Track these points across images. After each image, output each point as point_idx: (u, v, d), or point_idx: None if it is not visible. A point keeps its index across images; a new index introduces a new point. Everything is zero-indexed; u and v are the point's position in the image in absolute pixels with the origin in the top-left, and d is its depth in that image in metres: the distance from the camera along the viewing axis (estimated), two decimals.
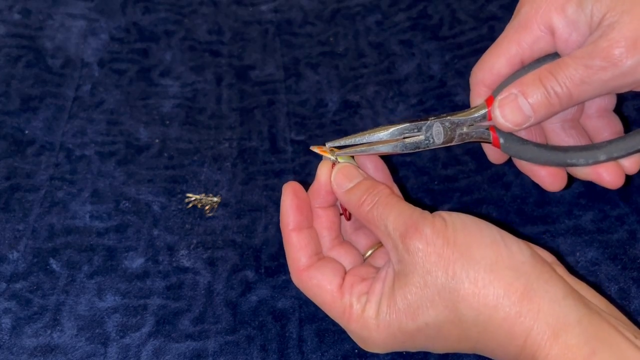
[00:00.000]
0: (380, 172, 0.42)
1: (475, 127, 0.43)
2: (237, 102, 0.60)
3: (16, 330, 0.45)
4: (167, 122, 0.58)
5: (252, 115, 0.59)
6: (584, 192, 0.50)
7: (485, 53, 0.44)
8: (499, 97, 0.41)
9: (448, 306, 0.35)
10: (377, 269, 0.40)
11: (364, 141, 0.41)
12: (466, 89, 0.45)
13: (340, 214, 0.42)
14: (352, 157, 0.42)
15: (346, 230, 0.43)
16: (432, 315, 0.36)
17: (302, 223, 0.40)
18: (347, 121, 0.58)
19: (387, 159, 0.54)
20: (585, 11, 0.39)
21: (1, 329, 0.45)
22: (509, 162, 0.53)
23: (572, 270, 0.46)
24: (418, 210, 0.38)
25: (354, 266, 0.41)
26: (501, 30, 0.45)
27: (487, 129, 0.43)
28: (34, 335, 0.45)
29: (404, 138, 0.41)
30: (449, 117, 0.42)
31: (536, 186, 0.51)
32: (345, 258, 0.41)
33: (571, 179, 0.45)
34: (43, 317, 0.46)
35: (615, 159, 0.42)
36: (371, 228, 0.39)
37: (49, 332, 0.45)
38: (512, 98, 0.41)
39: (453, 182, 0.52)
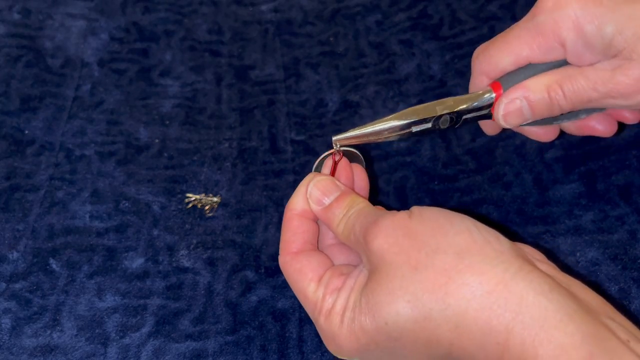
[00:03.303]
0: (362, 181, 0.42)
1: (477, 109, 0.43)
2: (237, 102, 0.60)
3: (16, 330, 0.45)
4: (167, 122, 0.58)
5: (252, 115, 0.59)
6: (584, 192, 0.50)
7: (491, 44, 0.43)
8: (504, 101, 0.42)
9: (410, 301, 0.31)
10: None
11: (370, 132, 0.41)
12: (466, 88, 0.45)
13: None
14: (356, 147, 0.41)
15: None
16: (391, 313, 0.32)
17: (308, 213, 0.39)
18: (347, 121, 0.58)
19: (382, 160, 0.54)
20: (604, 36, 0.39)
21: (1, 329, 0.45)
22: (509, 163, 0.53)
23: (572, 270, 0.46)
24: (384, 210, 0.36)
25: (346, 262, 0.39)
26: (501, 30, 0.44)
27: (489, 110, 0.43)
28: (33, 336, 0.45)
29: (411, 126, 0.41)
30: (456, 105, 0.42)
31: (536, 186, 0.51)
32: (343, 255, 0.39)
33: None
34: (43, 317, 0.46)
35: (592, 112, 0.45)
36: (347, 244, 0.37)
37: (48, 332, 0.45)
38: (517, 105, 0.42)
39: (453, 182, 0.52)
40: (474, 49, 0.45)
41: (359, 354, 0.35)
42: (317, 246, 0.40)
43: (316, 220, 0.40)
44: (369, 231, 0.34)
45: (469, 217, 0.34)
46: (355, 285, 0.35)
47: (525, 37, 0.41)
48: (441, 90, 0.59)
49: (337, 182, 0.39)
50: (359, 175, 0.42)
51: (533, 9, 0.42)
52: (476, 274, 0.31)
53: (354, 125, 0.57)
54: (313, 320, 0.37)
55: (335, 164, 0.41)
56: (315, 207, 0.38)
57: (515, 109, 0.42)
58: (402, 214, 0.35)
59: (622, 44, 0.39)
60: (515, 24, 0.42)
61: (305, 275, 0.37)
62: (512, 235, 0.48)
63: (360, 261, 0.39)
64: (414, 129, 0.42)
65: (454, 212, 0.34)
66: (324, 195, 0.38)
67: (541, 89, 0.41)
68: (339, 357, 0.36)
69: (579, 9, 0.39)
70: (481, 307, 0.30)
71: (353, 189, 0.41)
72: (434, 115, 0.42)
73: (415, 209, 0.35)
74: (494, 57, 0.43)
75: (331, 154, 0.41)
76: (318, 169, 0.41)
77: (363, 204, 0.37)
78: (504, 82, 0.43)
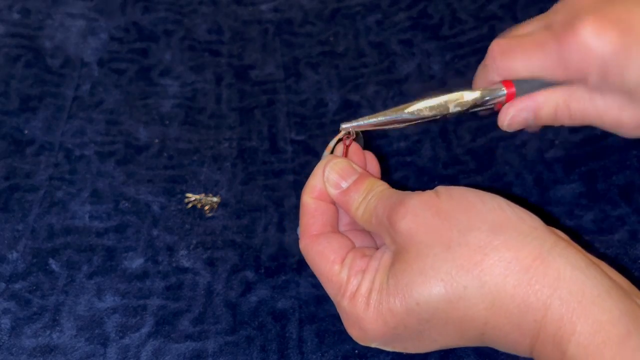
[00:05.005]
0: (374, 167, 0.41)
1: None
2: (237, 102, 0.60)
3: (15, 330, 0.45)
4: (167, 122, 0.58)
5: (252, 115, 0.58)
6: (585, 192, 0.50)
7: (512, 51, 0.42)
8: (512, 112, 0.42)
9: (444, 280, 0.30)
10: None
11: (380, 122, 0.41)
12: (467, 88, 0.45)
13: None
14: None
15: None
16: (423, 293, 0.31)
17: (325, 196, 0.38)
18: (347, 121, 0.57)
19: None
20: (626, 83, 0.38)
21: (0, 330, 0.45)
22: (510, 163, 0.52)
23: None
24: (409, 192, 0.35)
25: (364, 245, 0.38)
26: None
27: (495, 104, 0.43)
28: (33, 336, 0.44)
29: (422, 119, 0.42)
30: (468, 103, 0.42)
31: (537, 186, 0.51)
32: (360, 239, 0.39)
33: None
34: (42, 317, 0.45)
35: None
36: (366, 227, 0.37)
37: (48, 332, 0.45)
38: (524, 116, 0.42)
39: (453, 182, 0.52)
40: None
41: (384, 338, 0.34)
42: (337, 228, 0.39)
43: (333, 202, 0.39)
44: (394, 212, 0.33)
45: (497, 195, 0.33)
46: (379, 267, 0.34)
47: (548, 61, 0.40)
48: (441, 90, 0.59)
49: (353, 165, 0.39)
50: (371, 161, 0.41)
51: (560, 32, 0.39)
52: (512, 250, 0.30)
53: None
54: (335, 304, 0.36)
55: (346, 148, 0.40)
56: (332, 191, 0.38)
57: (521, 119, 0.42)
58: (429, 193, 0.34)
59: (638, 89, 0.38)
60: (541, 36, 0.41)
61: (327, 257, 0.36)
62: None
63: (377, 246, 0.39)
64: (424, 119, 0.42)
65: (481, 190, 0.34)
66: (341, 178, 0.38)
67: (550, 107, 0.41)
68: (362, 343, 0.35)
69: (609, 54, 0.37)
70: (519, 284, 0.29)
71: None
72: (446, 112, 0.42)
73: (441, 188, 0.34)
74: (513, 64, 0.41)
75: (341, 139, 0.40)
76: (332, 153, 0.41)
77: (383, 186, 0.37)
78: (516, 82, 0.42)
